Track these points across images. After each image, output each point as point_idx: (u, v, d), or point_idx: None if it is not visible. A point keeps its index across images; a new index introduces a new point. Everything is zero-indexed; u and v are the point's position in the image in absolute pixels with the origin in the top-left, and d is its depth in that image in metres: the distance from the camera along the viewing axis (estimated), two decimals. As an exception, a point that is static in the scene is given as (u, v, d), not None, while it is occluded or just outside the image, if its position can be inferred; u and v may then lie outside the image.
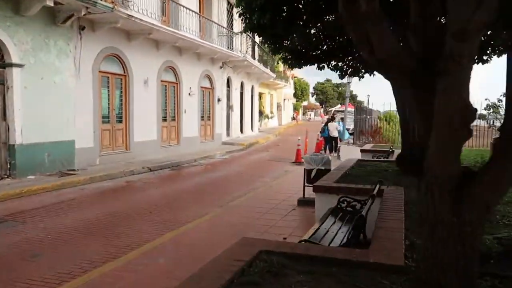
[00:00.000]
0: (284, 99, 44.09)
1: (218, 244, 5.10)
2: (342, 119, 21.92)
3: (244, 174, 12.32)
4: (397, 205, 4.36)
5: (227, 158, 16.48)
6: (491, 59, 7.82)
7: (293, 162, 15.04)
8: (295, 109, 55.48)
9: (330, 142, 18.27)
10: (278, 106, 41.54)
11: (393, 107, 19.12)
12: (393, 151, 9.52)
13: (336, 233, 4.26)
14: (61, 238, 5.78)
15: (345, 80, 17.01)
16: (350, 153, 14.60)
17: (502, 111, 9.11)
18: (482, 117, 9.45)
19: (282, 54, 8.74)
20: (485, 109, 9.27)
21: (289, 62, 8.86)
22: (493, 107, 9.04)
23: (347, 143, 16.41)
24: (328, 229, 4.32)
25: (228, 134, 21.64)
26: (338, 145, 15.46)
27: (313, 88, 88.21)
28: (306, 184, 7.57)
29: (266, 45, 8.45)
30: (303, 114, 69.29)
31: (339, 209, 5.14)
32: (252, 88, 26.57)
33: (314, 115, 74.91)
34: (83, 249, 5.31)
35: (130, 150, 13.51)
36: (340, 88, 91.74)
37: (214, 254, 2.94)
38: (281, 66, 39.43)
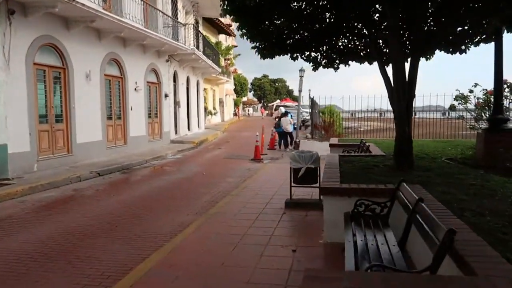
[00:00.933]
0: (226, 95, 43.18)
1: (226, 266, 4.23)
2: (289, 113, 21.59)
3: (206, 174, 11.35)
4: (441, 209, 3.79)
5: (180, 157, 15.30)
6: (469, 49, 7.67)
7: (252, 159, 14.32)
8: (236, 104, 54.81)
9: (284, 137, 17.85)
10: (221, 102, 40.55)
11: (333, 101, 19.03)
12: (365, 145, 9.15)
13: (377, 245, 3.60)
14: (11, 269, 4.51)
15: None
16: (310, 148, 14.21)
17: (472, 102, 9.13)
18: (453, 107, 9.45)
19: (257, 43, 7.94)
20: (455, 99, 9.28)
21: (264, 51, 8.09)
22: (461, 97, 9.03)
23: (305, 137, 16.03)
24: (366, 242, 3.64)
25: (176, 132, 20.34)
26: (298, 140, 15.00)
27: (251, 84, 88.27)
28: (293, 184, 6.87)
29: (242, 32, 7.59)
30: (242, 109, 68.88)
31: (357, 213, 4.50)
32: (198, 83, 25.38)
33: (253, 111, 74.85)
34: (44, 284, 4.13)
35: (72, 153, 11.88)
36: (276, 84, 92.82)
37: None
38: (222, 61, 38.50)
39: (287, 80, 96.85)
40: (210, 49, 25.11)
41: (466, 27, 7.00)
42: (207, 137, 21.69)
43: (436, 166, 6.47)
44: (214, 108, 37.01)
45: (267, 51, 8.22)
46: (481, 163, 6.24)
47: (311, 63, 8.92)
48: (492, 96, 8.62)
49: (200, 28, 24.97)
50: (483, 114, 9.13)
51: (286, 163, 13.03)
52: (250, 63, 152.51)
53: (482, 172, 5.79)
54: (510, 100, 8.46)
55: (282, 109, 26.95)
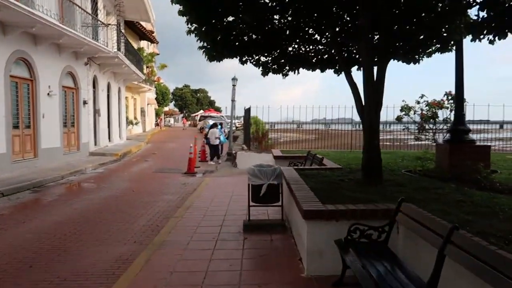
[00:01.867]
0: (147, 104, 40.87)
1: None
2: (219, 124, 20.65)
3: (137, 191, 9.92)
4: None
5: (102, 172, 13.49)
6: (422, 59, 7.49)
7: (186, 173, 13.11)
8: (157, 114, 52.36)
9: (211, 150, 16.80)
10: (142, 111, 38.20)
11: (256, 112, 18.63)
12: (315, 157, 8.59)
13: (384, 279, 2.85)
14: None
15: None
16: (248, 160, 13.42)
17: (417, 113, 9.06)
18: (399, 118, 9.35)
19: (206, 43, 6.95)
20: (400, 110, 9.19)
21: (213, 53, 7.12)
22: (406, 109, 8.94)
23: (241, 149, 15.19)
24: (372, 276, 2.87)
25: (95, 143, 18.22)
26: (234, 152, 14.12)
27: (172, 93, 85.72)
28: (252, 203, 5.95)
29: (190, 28, 6.54)
30: (164, 120, 66.31)
31: (351, 241, 3.73)
32: (119, 90, 23.31)
33: (174, 121, 72.43)
34: None
35: (-34, 169, 9.65)
36: (198, 94, 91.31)
37: None
38: (145, 68, 36.37)
39: (208, 90, 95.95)
40: (133, 54, 23.25)
41: (422, 36, 6.77)
42: (130, 149, 19.82)
43: (404, 180, 6.03)
44: (136, 118, 34.68)
45: (216, 53, 7.26)
46: (447, 176, 5.93)
47: (260, 68, 8.16)
48: (436, 108, 8.63)
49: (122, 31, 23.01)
50: (426, 126, 9.14)
51: (225, 176, 12.08)
52: (171, 72, 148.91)
53: (455, 186, 5.44)
54: (452, 110, 8.52)
55: (210, 121, 25.97)
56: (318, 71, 8.24)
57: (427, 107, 8.80)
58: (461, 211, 4.06)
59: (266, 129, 17.39)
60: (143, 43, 37.60)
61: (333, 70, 8.17)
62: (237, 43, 7.33)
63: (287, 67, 8.22)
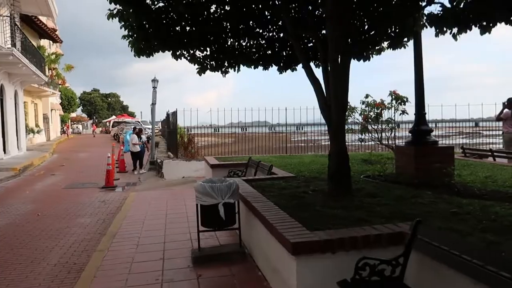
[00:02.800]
0: (51, 110, 36.57)
1: None
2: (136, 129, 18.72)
3: (43, 215, 8.02)
4: None
5: (-3, 191, 11.04)
6: (372, 56, 6.95)
7: (104, 187, 11.29)
8: (63, 121, 47.44)
9: (133, 158, 14.99)
10: (45, 118, 34.00)
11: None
12: (259, 165, 7.62)
13: None
14: None
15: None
16: (177, 170, 12.02)
17: (357, 113, 8.60)
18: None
19: (132, 32, 5.58)
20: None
21: (140, 44, 5.78)
22: (348, 110, 8.43)
23: (167, 157, 13.62)
24: None
25: (-13, 157, 15.21)
26: (160, 161, 12.55)
27: (79, 98, 79.09)
28: (202, 228, 4.75)
29: (113, 12, 5.12)
30: (71, 126, 60.58)
31: (359, 281, 2.79)
32: (16, 94, 20.03)
33: (82, 128, 66.64)
34: None
35: None
36: (109, 99, 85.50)
37: None
38: (47, 70, 32.43)
39: (121, 95, 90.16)
40: (32, 53, 20.14)
41: (379, 28, 6.17)
42: (32, 161, 17.00)
43: (373, 188, 5.32)
44: (38, 125, 30.65)
45: (145, 44, 5.92)
46: (414, 181, 5.36)
47: (196, 65, 6.97)
48: (379, 109, 8.23)
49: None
50: (368, 126, 8.73)
51: (152, 189, 10.51)
52: (78, 75, 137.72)
53: (431, 193, 4.84)
54: (397, 110, 8.20)
55: (129, 127, 23.68)
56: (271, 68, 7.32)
57: (368, 108, 8.36)
58: (472, 227, 3.37)
59: (191, 134, 16.00)
60: (44, 42, 33.51)
61: (277, 67, 7.30)
62: (170, 34, 6.07)
63: (226, 64, 7.16)
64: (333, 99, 4.84)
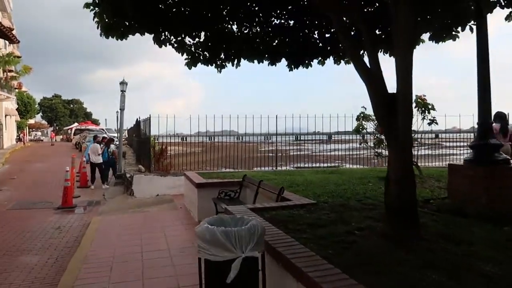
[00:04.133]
0: (6, 115, 33.19)
1: None
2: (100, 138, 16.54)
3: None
4: None
5: None
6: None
7: (61, 208, 9.23)
8: (20, 128, 43.67)
9: (93, 171, 12.91)
10: (-2, 124, 30.73)
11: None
12: (260, 184, 5.96)
13: None
14: None
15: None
16: (151, 187, 10.10)
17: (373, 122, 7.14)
18: (359, 129, 7.29)
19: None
20: (356, 119, 7.18)
21: (111, 19, 4.03)
22: (363, 117, 7.00)
23: (138, 170, 11.63)
24: None
25: None
26: (129, 175, 10.57)
27: (39, 104, 74.28)
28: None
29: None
30: (29, 134, 56.32)
31: None
32: (-40, 96, 17.32)
33: (42, 135, 62.23)
34: None
35: None
36: (71, 105, 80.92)
37: None
38: (0, 72, 29.39)
39: (84, 101, 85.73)
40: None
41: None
42: (-24, 174, 14.46)
43: (438, 224, 3.81)
44: (-11, 132, 27.48)
45: (116, 19, 4.17)
46: (489, 213, 3.92)
47: (185, 55, 5.28)
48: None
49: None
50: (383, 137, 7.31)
51: (121, 212, 8.51)
52: (38, 81, 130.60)
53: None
54: (424, 119, 6.83)
55: (105, 135, 21.36)
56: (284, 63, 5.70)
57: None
58: None
59: (162, 144, 14.05)
60: (-1, 42, 30.40)
61: (287, 62, 5.71)
62: (154, 8, 4.36)
63: (223, 56, 5.50)
64: (401, 99, 3.29)
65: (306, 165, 13.58)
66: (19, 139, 38.72)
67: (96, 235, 6.35)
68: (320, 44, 5.53)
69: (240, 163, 12.29)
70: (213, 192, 6.92)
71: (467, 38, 4.87)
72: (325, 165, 12.14)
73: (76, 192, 11.34)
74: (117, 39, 4.50)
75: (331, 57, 5.61)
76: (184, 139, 16.32)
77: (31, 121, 55.02)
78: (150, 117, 10.63)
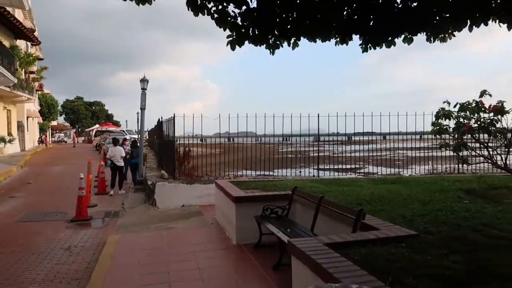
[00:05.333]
0: (27, 117, 32.63)
1: None
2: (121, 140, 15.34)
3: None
4: None
5: None
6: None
7: (74, 220, 7.98)
8: (43, 130, 43.34)
9: (114, 175, 11.74)
10: (20, 125, 30.12)
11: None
12: (322, 202, 4.49)
13: None
14: None
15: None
16: (176, 196, 8.75)
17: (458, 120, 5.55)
18: (440, 129, 5.68)
19: None
20: (436, 117, 5.56)
21: None
22: (444, 115, 5.44)
23: (160, 176, 10.31)
24: None
25: None
26: (151, 182, 9.25)
27: (62, 106, 74.67)
28: None
29: None
30: (52, 135, 56.30)
31: None
32: (-23, 97, 16.43)
33: (65, 137, 62.19)
34: None
35: None
36: (93, 107, 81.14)
37: None
38: (22, 74, 28.78)
39: (105, 104, 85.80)
40: None
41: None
42: (-9, 178, 13.46)
43: None
44: (10, 134, 26.79)
45: None
46: None
47: (227, 30, 3.86)
48: (494, 114, 5.23)
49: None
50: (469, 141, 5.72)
51: (142, 228, 7.10)
52: (61, 84, 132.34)
53: None
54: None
55: (127, 136, 20.47)
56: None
57: (470, 113, 5.37)
58: None
59: (186, 146, 12.70)
60: (21, 43, 29.85)
61: (362, 39, 4.22)
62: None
63: (277, 32, 4.05)
64: None
65: (343, 168, 11.98)
66: (41, 141, 38.27)
67: (111, 263, 4.99)
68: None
69: (260, 165, 10.86)
70: (255, 208, 5.49)
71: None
72: (381, 172, 10.33)
73: (92, 201, 10.12)
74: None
75: (423, 32, 4.08)
76: (204, 140, 15.19)
77: (54, 123, 54.95)
78: (174, 117, 9.29)
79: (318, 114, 9.88)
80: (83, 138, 59.18)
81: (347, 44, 4.20)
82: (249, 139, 12.28)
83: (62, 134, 63.36)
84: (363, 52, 4.29)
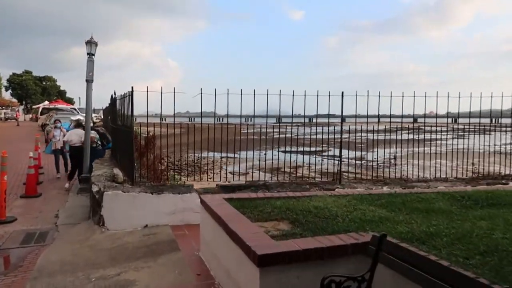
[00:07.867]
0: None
1: None
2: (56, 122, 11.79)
3: None
4: None
5: None
6: None
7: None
8: (-19, 106, 37.50)
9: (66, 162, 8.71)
10: None
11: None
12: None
13: None
14: None
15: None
16: (131, 210, 5.65)
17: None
18: None
19: None
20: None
21: None
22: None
23: (112, 179, 6.96)
24: None
25: None
26: (98, 187, 6.00)
27: (8, 81, 66.85)
28: None
29: None
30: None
31: None
32: None
33: (14, 114, 55.33)
34: None
35: None
36: (44, 83, 73.42)
37: None
38: None
39: (57, 79, 77.75)
40: None
41: None
42: None
43: None
44: None
45: None
46: None
47: None
48: None
49: None
50: None
51: (72, 272, 3.99)
52: (8, 57, 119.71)
53: None
54: None
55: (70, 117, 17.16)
56: None
57: None
58: None
59: (140, 127, 9.42)
60: None
61: None
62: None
63: None
64: None
65: (307, 151, 9.40)
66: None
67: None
68: None
69: (223, 146, 8.25)
70: (295, 275, 2.65)
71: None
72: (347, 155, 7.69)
73: (14, 209, 6.82)
74: None
75: None
76: (164, 119, 12.36)
77: (-4, 99, 48.43)
78: (132, 92, 6.05)
79: (280, 91, 7.34)
80: (31, 115, 53.03)
81: None
82: (210, 119, 9.73)
83: (9, 110, 56.46)
84: None
